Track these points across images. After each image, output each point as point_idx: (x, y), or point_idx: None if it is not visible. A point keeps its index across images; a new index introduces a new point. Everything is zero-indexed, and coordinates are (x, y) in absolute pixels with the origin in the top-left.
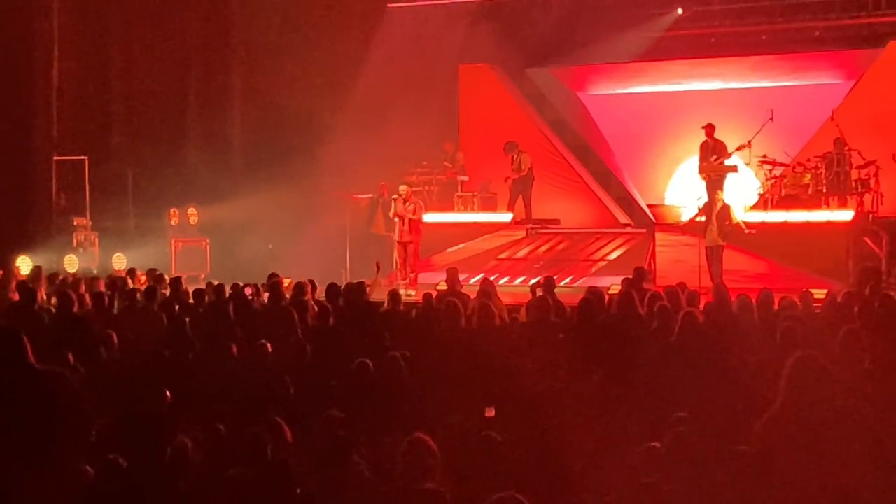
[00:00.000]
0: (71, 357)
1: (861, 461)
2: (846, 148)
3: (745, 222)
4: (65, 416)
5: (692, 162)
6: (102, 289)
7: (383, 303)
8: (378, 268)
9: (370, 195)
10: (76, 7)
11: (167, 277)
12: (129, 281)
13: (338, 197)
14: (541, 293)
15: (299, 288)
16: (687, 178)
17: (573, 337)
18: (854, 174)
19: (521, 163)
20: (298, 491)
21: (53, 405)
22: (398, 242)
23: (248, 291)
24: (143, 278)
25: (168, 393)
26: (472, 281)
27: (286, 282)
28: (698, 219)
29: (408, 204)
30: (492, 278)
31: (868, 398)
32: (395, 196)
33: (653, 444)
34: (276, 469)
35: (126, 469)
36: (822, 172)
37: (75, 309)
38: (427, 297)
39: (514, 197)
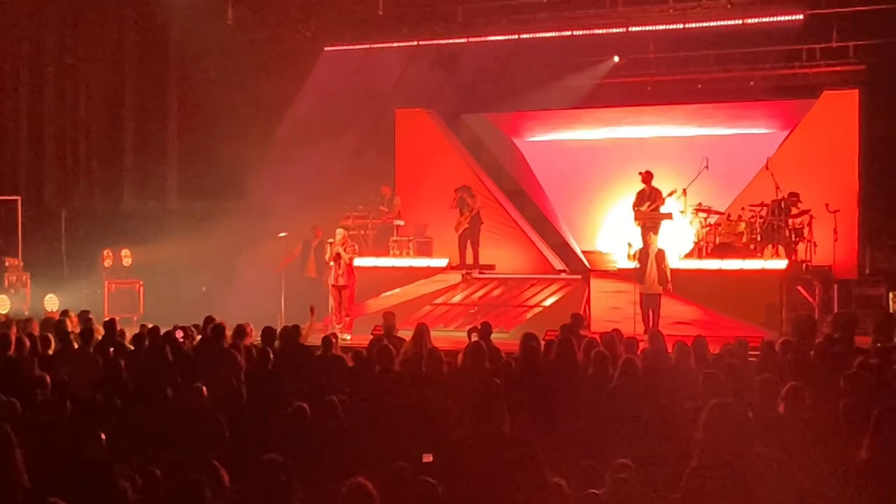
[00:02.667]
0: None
1: None
2: (797, 202)
3: (672, 271)
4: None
5: (626, 208)
6: (36, 331)
7: (319, 347)
8: (312, 311)
9: (284, 234)
10: (9, 48)
11: (95, 319)
12: (66, 323)
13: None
14: (477, 338)
15: (239, 331)
16: (621, 224)
17: (512, 382)
18: (789, 223)
19: (473, 205)
20: None
21: None
22: (333, 286)
23: (179, 335)
24: (76, 320)
25: (103, 436)
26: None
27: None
28: (632, 264)
29: (344, 248)
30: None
31: (793, 445)
32: (330, 240)
33: (593, 490)
34: None
35: None
36: (756, 221)
37: (11, 351)
38: (372, 341)
39: (464, 245)
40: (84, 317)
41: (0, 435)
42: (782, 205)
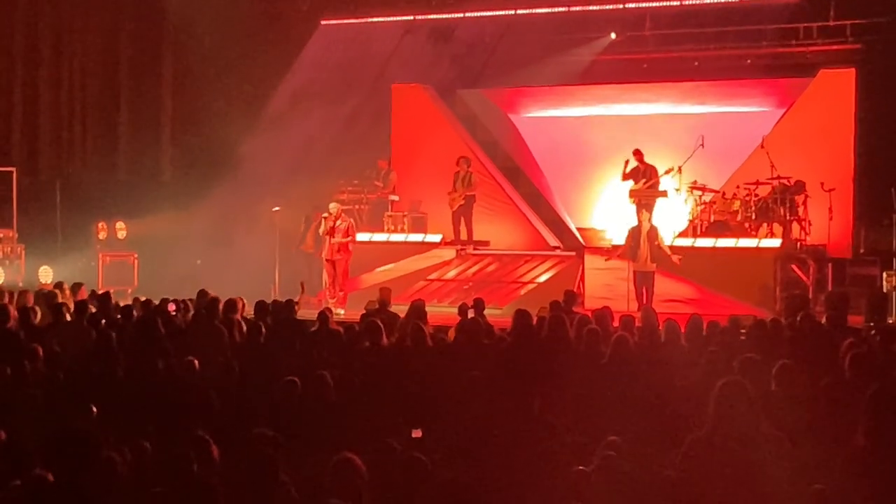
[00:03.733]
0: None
1: (781, 489)
2: (802, 191)
3: (671, 247)
4: None
5: (621, 185)
6: (31, 303)
7: (312, 321)
8: (302, 287)
9: (277, 208)
10: (6, 16)
11: (92, 292)
12: (58, 295)
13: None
14: (471, 314)
15: (230, 305)
16: (616, 201)
17: (503, 359)
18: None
19: (471, 180)
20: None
21: None
22: (327, 261)
23: (171, 308)
24: (69, 292)
25: (94, 408)
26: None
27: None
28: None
29: (338, 222)
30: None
31: (786, 425)
32: (325, 214)
33: (581, 467)
34: (201, 487)
35: (53, 484)
36: (751, 199)
37: (10, 324)
38: (363, 317)
39: (458, 221)
40: (77, 289)
41: None
42: (782, 187)
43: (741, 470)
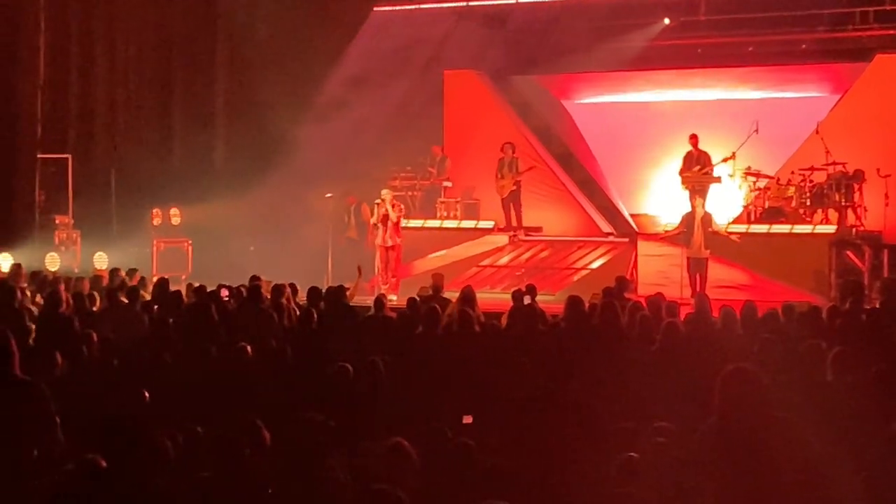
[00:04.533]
0: (59, 357)
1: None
2: (861, 180)
3: (727, 231)
4: (31, 427)
5: (674, 171)
6: (86, 289)
7: (366, 307)
8: (360, 272)
9: (330, 195)
10: (62, 5)
11: (147, 278)
12: (112, 281)
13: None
14: (527, 301)
15: (277, 290)
16: (669, 187)
17: (554, 345)
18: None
19: (518, 165)
20: (270, 491)
21: (21, 417)
22: (380, 247)
23: (224, 293)
24: (125, 278)
25: (146, 393)
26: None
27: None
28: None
29: (392, 209)
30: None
31: (838, 412)
32: (377, 201)
33: (631, 454)
34: (251, 470)
35: (104, 469)
36: (806, 185)
37: (63, 308)
38: (410, 301)
39: (508, 207)
40: (133, 275)
41: (35, 391)
42: (840, 174)
43: (752, 456)
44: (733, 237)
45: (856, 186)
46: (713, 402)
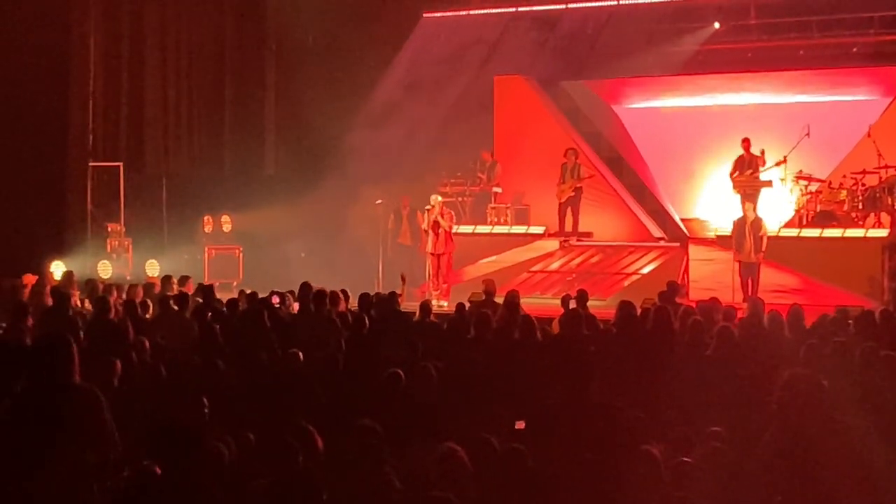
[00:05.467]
0: (118, 364)
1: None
2: None
3: (772, 238)
4: (89, 433)
5: (725, 176)
6: (140, 296)
7: (414, 313)
8: (403, 280)
9: (380, 201)
10: (113, 15)
11: (198, 285)
12: (165, 288)
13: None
14: (574, 306)
15: (333, 297)
16: (720, 191)
17: (607, 350)
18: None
19: (580, 171)
20: (325, 498)
21: (80, 423)
22: (431, 254)
23: (274, 300)
24: (176, 285)
25: (205, 401)
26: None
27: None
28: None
29: (442, 215)
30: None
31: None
32: (427, 207)
33: (685, 458)
34: (306, 476)
35: (160, 476)
36: (858, 189)
37: (112, 315)
38: (460, 307)
39: (564, 213)
40: (185, 282)
41: (93, 397)
42: (892, 177)
43: (807, 464)
44: (757, 256)
45: None
46: (770, 408)
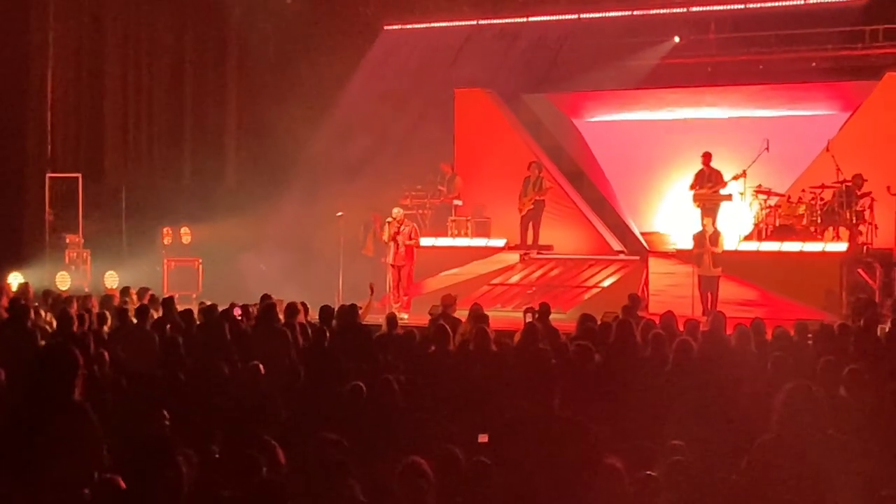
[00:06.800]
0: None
1: (847, 494)
2: (861, 183)
3: (729, 252)
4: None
5: (685, 189)
6: (96, 307)
7: (377, 326)
8: (372, 290)
9: (341, 213)
10: (72, 26)
11: (157, 297)
12: (123, 300)
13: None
14: (533, 319)
15: (291, 309)
16: (679, 205)
17: (567, 363)
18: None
19: (542, 185)
20: None
21: (78, 441)
22: (392, 266)
23: (237, 312)
24: (136, 297)
25: (166, 414)
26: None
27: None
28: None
29: (403, 227)
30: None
31: (856, 429)
32: (388, 219)
33: (648, 472)
34: (269, 489)
35: (123, 490)
36: (817, 203)
37: (74, 328)
38: (431, 321)
39: (526, 226)
40: (144, 294)
41: (88, 414)
42: (845, 188)
43: (806, 474)
44: (715, 271)
45: (864, 203)
46: (770, 418)
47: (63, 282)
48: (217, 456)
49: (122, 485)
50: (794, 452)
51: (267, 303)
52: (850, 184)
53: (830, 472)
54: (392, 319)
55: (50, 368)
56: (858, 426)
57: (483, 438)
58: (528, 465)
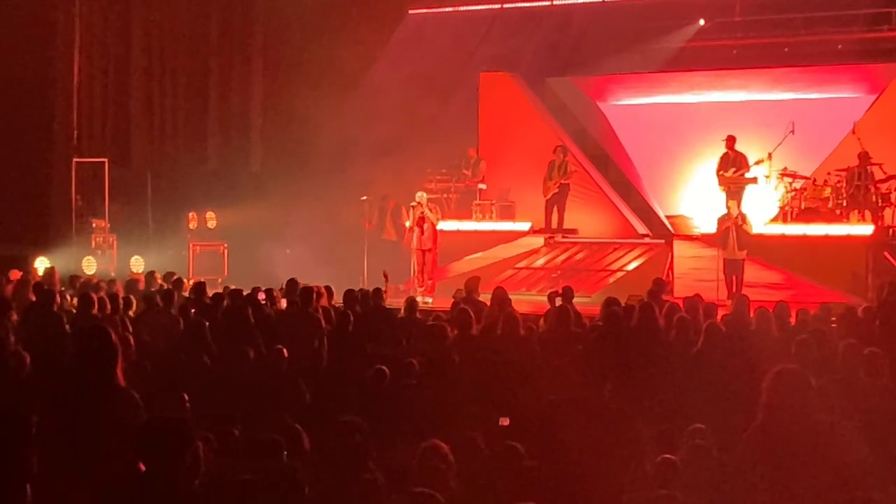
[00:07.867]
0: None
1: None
2: (870, 162)
3: (757, 236)
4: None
5: (710, 172)
6: (120, 292)
7: (396, 310)
8: (386, 277)
9: (365, 197)
10: (98, 10)
11: (186, 281)
12: (148, 284)
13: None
14: (560, 303)
15: (317, 294)
16: (705, 188)
17: (592, 347)
18: (874, 189)
19: (567, 169)
20: (308, 493)
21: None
22: (416, 250)
23: (261, 296)
24: (161, 281)
25: (186, 397)
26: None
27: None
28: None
29: (428, 211)
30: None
31: (874, 413)
32: (412, 203)
33: (668, 455)
34: (287, 473)
35: (143, 473)
36: (842, 186)
37: (95, 311)
38: (454, 305)
39: (550, 209)
40: (170, 278)
41: (133, 399)
42: (858, 174)
43: (793, 459)
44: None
45: (889, 185)
46: (758, 403)
47: (89, 266)
48: (238, 438)
49: (142, 468)
50: (779, 436)
51: (299, 287)
52: (859, 168)
53: (823, 456)
54: (411, 303)
55: (88, 353)
56: (872, 409)
57: (504, 422)
58: (548, 447)
